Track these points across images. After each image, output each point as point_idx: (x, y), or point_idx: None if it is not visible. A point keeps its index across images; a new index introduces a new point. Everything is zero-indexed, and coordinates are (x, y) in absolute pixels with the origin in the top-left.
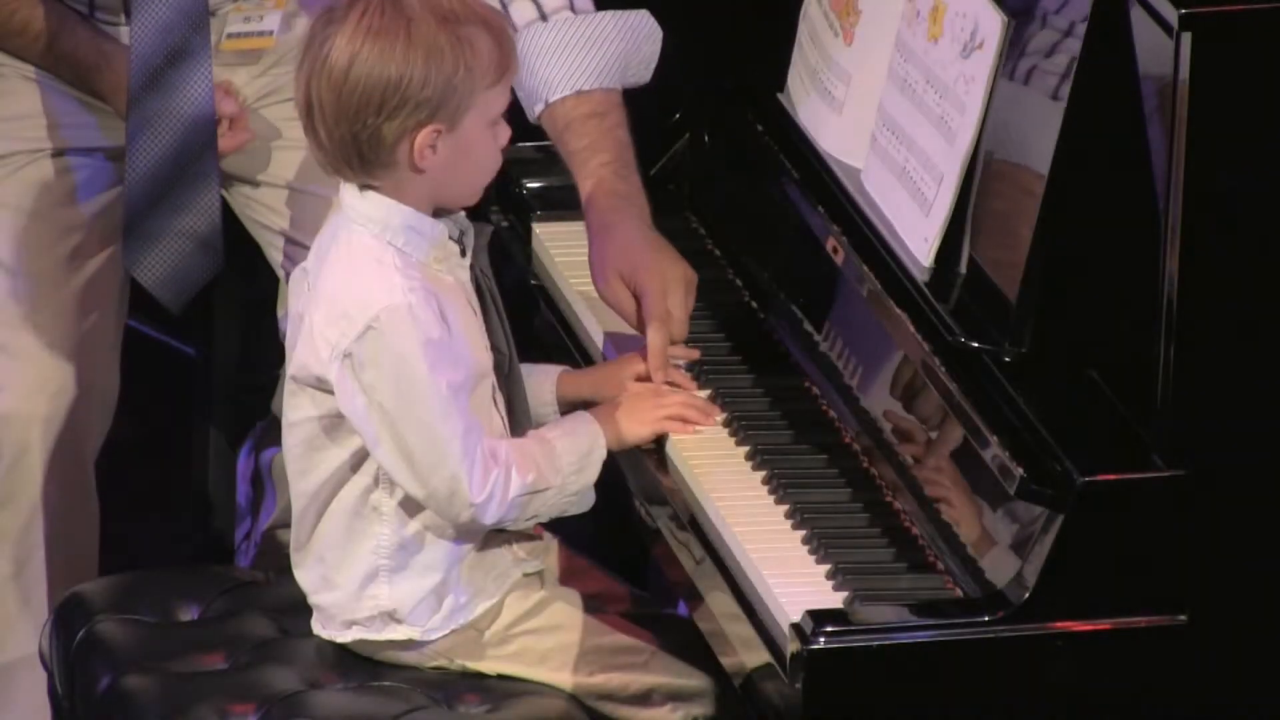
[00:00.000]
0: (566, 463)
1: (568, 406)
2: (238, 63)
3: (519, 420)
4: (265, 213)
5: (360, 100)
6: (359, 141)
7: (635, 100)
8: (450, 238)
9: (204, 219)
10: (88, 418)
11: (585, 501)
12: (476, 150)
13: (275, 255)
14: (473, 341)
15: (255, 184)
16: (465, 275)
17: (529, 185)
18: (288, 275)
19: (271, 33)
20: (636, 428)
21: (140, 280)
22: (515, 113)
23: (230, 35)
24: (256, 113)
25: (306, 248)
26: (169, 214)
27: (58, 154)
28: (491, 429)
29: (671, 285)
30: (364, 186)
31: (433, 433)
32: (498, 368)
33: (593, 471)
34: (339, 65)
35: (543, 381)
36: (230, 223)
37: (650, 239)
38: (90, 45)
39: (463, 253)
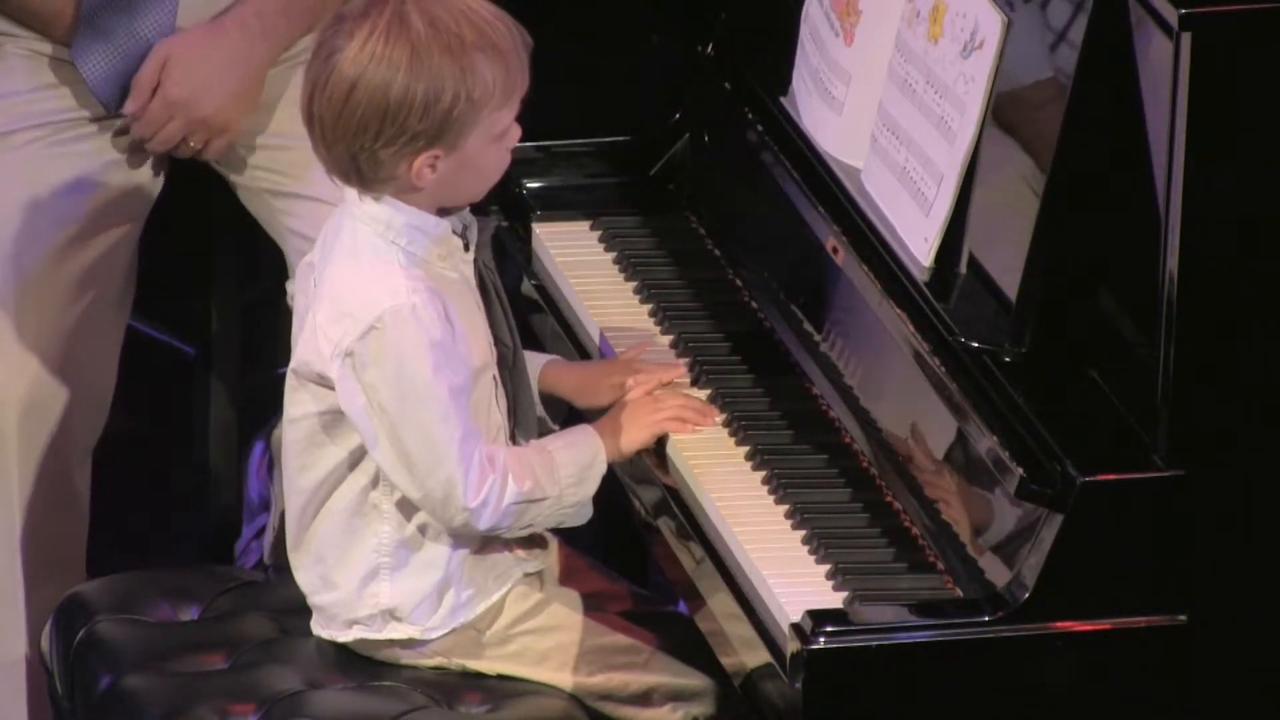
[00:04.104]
0: (565, 474)
1: (546, 399)
2: None
3: (524, 414)
4: (278, 178)
5: (358, 125)
6: (357, 161)
7: (635, 100)
8: (454, 232)
9: (156, 26)
10: (73, 408)
11: (583, 514)
12: (480, 163)
13: (288, 220)
14: (476, 338)
15: (268, 148)
16: (469, 270)
17: (529, 185)
18: (298, 245)
19: None
20: (636, 433)
21: (83, 73)
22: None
23: None
24: (276, 74)
25: (328, 204)
26: (124, 14)
27: (57, 134)
28: (490, 424)
29: None
30: (363, 194)
31: (431, 435)
32: (502, 360)
33: (592, 485)
34: (339, 88)
35: (528, 369)
36: (230, 221)
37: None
38: None
39: (466, 247)
